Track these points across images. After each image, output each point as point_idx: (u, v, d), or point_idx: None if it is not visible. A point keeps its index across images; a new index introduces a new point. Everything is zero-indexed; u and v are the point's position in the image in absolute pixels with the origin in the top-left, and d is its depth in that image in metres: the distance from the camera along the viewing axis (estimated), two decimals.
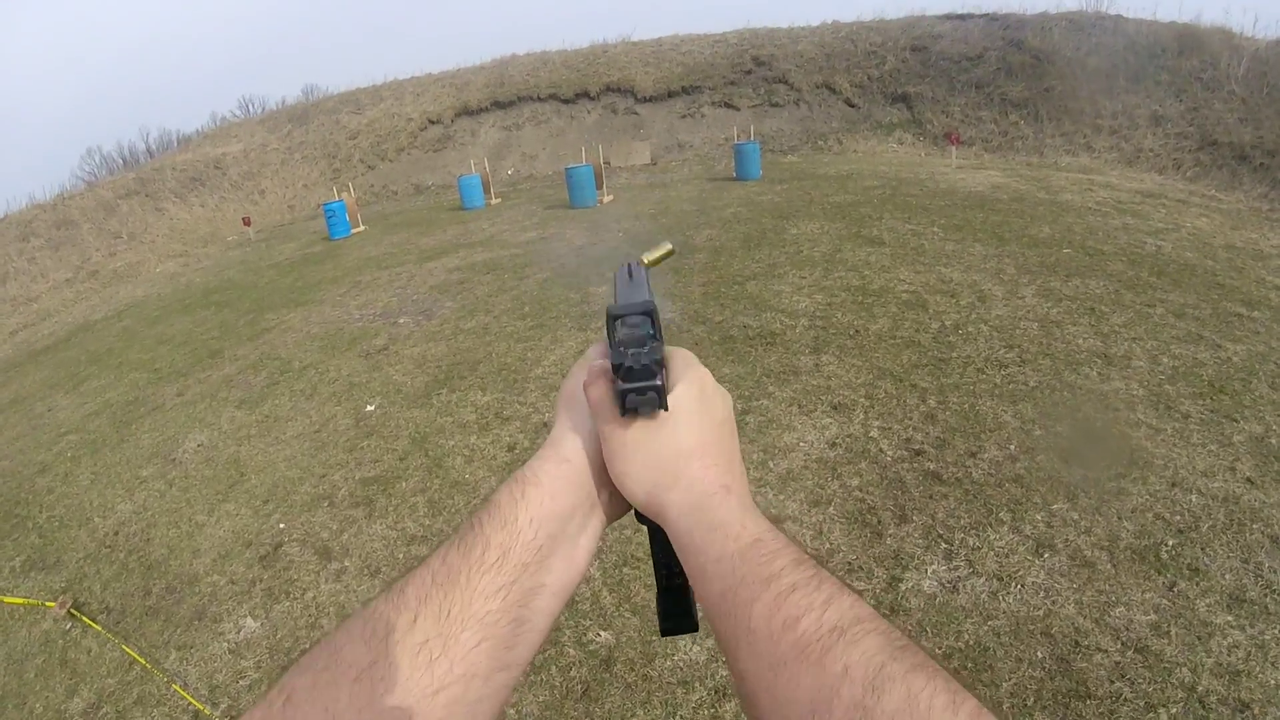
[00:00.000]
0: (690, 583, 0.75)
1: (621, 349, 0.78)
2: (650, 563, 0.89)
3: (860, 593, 4.39)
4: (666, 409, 0.81)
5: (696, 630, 0.87)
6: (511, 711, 4.34)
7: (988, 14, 25.69)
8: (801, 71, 25.96)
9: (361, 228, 21.95)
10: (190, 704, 5.08)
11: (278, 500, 7.23)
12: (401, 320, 11.53)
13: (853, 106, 24.44)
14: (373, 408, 8.64)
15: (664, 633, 0.89)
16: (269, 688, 0.61)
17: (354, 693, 0.59)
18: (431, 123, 31.14)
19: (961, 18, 26.02)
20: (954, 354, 7.36)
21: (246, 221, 25.38)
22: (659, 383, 0.78)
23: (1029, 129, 20.89)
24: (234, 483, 7.78)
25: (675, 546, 0.76)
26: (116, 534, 7.51)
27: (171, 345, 13.55)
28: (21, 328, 20.40)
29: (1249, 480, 5.40)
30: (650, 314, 0.85)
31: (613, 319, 0.85)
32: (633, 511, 0.87)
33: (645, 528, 0.87)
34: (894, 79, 24.42)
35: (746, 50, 27.82)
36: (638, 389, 0.77)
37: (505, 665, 0.67)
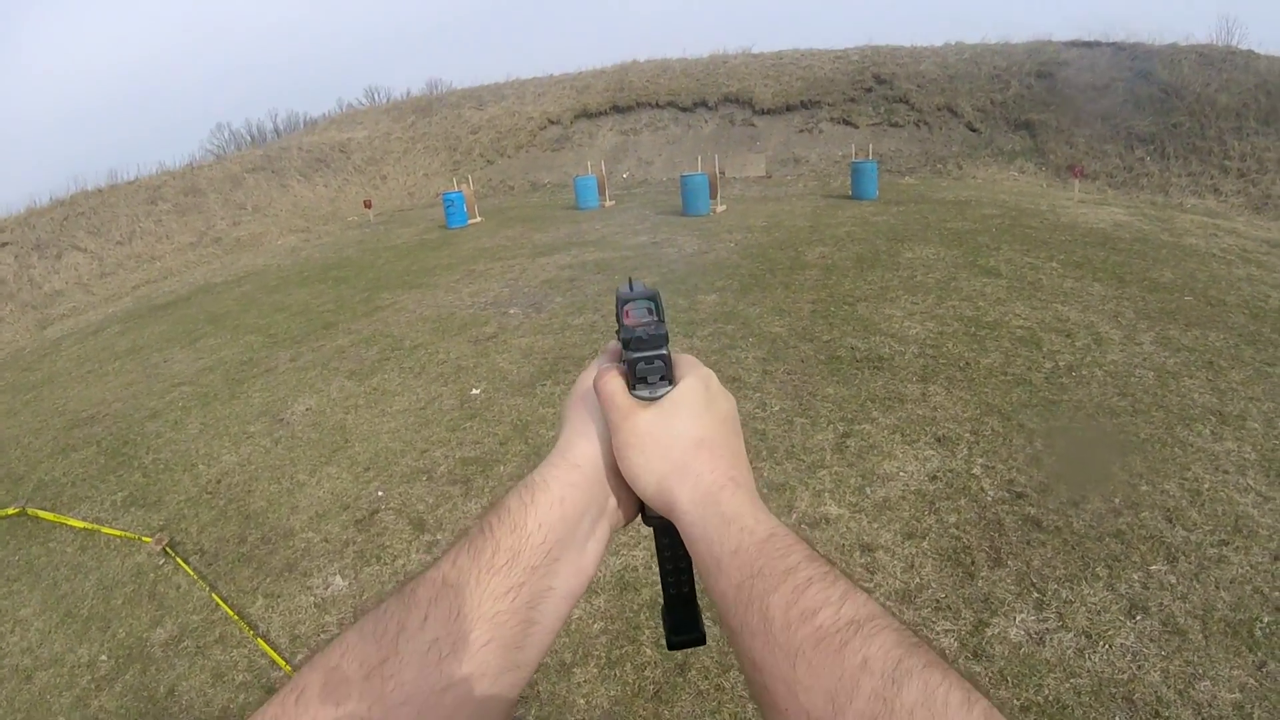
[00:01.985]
0: (701, 574, 0.76)
1: (630, 328, 0.86)
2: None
3: (945, 633, 4.40)
4: (673, 382, 0.86)
5: (704, 643, 0.91)
6: (581, 702, 4.43)
7: (1115, 43, 24.93)
8: (923, 92, 25.60)
9: (478, 219, 22.50)
10: (267, 653, 5.29)
11: (378, 469, 7.47)
12: (511, 311, 11.80)
13: (974, 131, 23.98)
14: (478, 391, 8.86)
15: (672, 646, 0.92)
16: (283, 684, 0.65)
17: (364, 690, 0.61)
18: (551, 123, 31.68)
19: (1089, 45, 25.29)
20: (1065, 397, 7.19)
21: (368, 204, 26.26)
22: (665, 352, 0.86)
23: (1154, 166, 20.18)
24: (338, 448, 8.07)
25: (686, 539, 0.78)
26: (219, 482, 7.88)
27: (288, 313, 14.17)
28: (143, 283, 21.54)
29: None
30: (654, 300, 0.91)
31: (621, 303, 0.90)
32: (641, 517, 0.89)
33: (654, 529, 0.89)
34: (1017, 105, 23.89)
35: (868, 67, 27.55)
36: (646, 357, 0.85)
37: (514, 666, 0.69)
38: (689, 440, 0.82)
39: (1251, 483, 5.91)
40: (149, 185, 27.35)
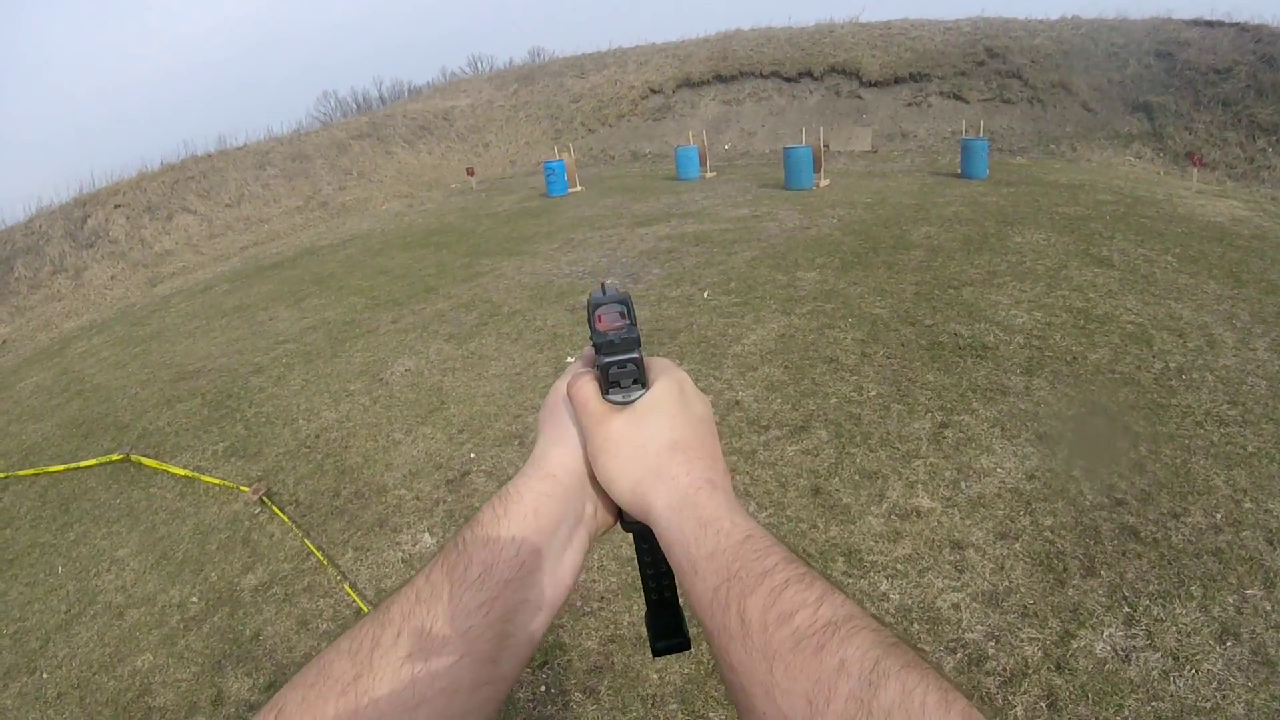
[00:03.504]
0: (679, 578, 0.75)
1: (602, 332, 0.87)
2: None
3: (1029, 641, 4.37)
4: (646, 386, 0.86)
5: (689, 649, 0.88)
6: (655, 677, 4.48)
7: (1238, 24, 23.67)
8: (1036, 68, 24.76)
9: (578, 188, 22.71)
10: (355, 602, 5.50)
11: (472, 431, 7.67)
12: (608, 280, 11.83)
13: (1089, 111, 23.13)
14: (573, 359, 8.94)
15: (656, 653, 0.90)
16: (263, 703, 0.66)
17: (339, 706, 0.62)
18: (653, 92, 31.62)
19: (1210, 25, 24.09)
20: (1174, 400, 6.95)
21: (470, 171, 26.73)
22: (637, 356, 0.86)
23: (1277, 158, 19.20)
24: (434, 409, 8.33)
25: (663, 543, 0.77)
26: (318, 437, 8.21)
27: (390, 277, 14.61)
28: (251, 244, 22.48)
29: None
30: (626, 303, 0.89)
31: (593, 307, 0.90)
32: (619, 523, 0.90)
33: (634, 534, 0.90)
34: (1135, 85, 22.95)
35: (980, 40, 26.76)
36: (619, 361, 0.86)
37: (490, 680, 0.70)
38: (663, 443, 0.82)
39: None
40: (257, 151, 28.41)
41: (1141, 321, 8.69)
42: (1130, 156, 21.06)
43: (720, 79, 30.63)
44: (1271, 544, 5.20)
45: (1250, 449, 6.24)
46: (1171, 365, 7.66)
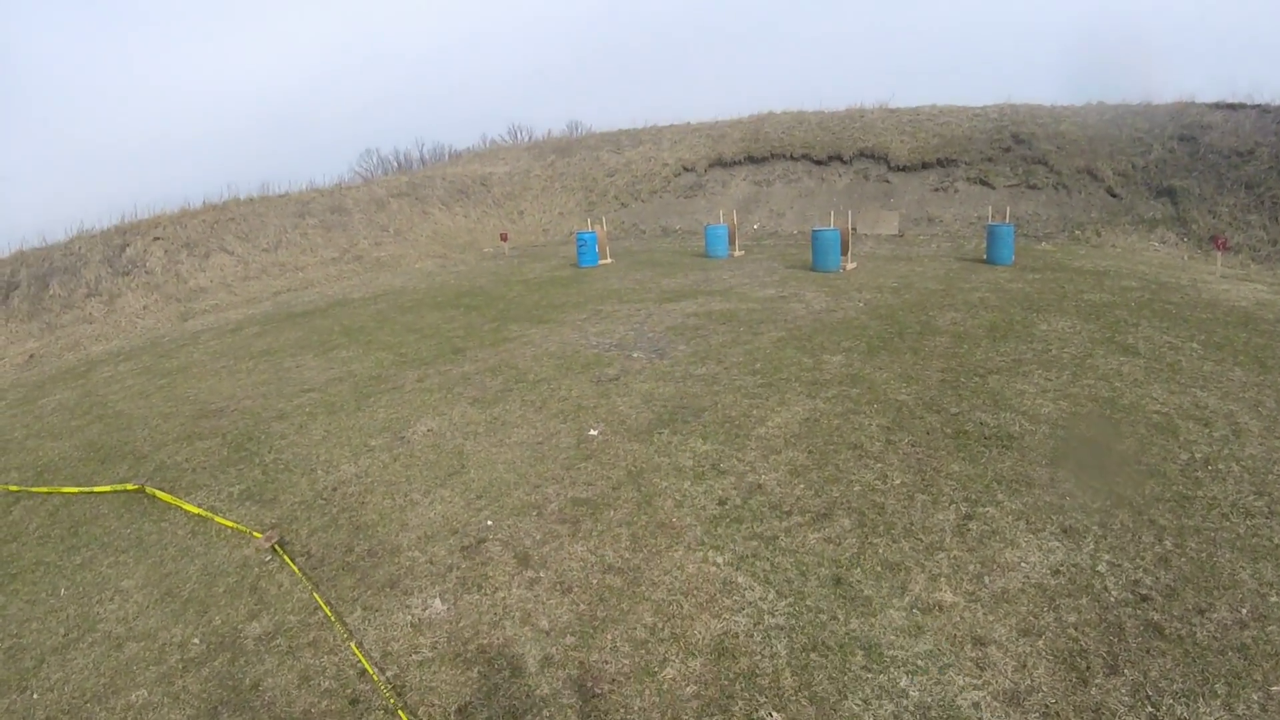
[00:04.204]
0: None
1: None
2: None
3: None
4: None
5: None
6: None
7: (1260, 105, 23.82)
8: (1062, 154, 24.98)
9: (608, 260, 23.08)
10: (360, 662, 5.49)
11: (490, 498, 7.73)
12: (635, 355, 12.09)
13: (1114, 196, 23.26)
14: (596, 432, 9.08)
15: None
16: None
17: None
18: (685, 169, 32.18)
19: (1233, 108, 24.22)
20: (1200, 492, 6.95)
21: (504, 237, 27.30)
22: None
23: None
24: (454, 472, 8.40)
25: None
26: (334, 490, 8.29)
27: (419, 335, 14.88)
28: (284, 290, 23.04)
29: None
30: None
31: None
32: None
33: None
34: (1159, 170, 23.04)
35: (1006, 126, 27.06)
36: None
37: None
38: None
39: None
40: (299, 199, 29.13)
41: (1167, 411, 8.71)
42: (1155, 242, 21.11)
43: (752, 159, 31.15)
44: None
45: (1277, 541, 6.22)
46: (1198, 456, 7.65)
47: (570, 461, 8.33)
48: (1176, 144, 23.47)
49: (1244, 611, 5.41)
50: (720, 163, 31.75)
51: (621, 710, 4.87)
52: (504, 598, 6.07)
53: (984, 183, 25.63)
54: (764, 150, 30.97)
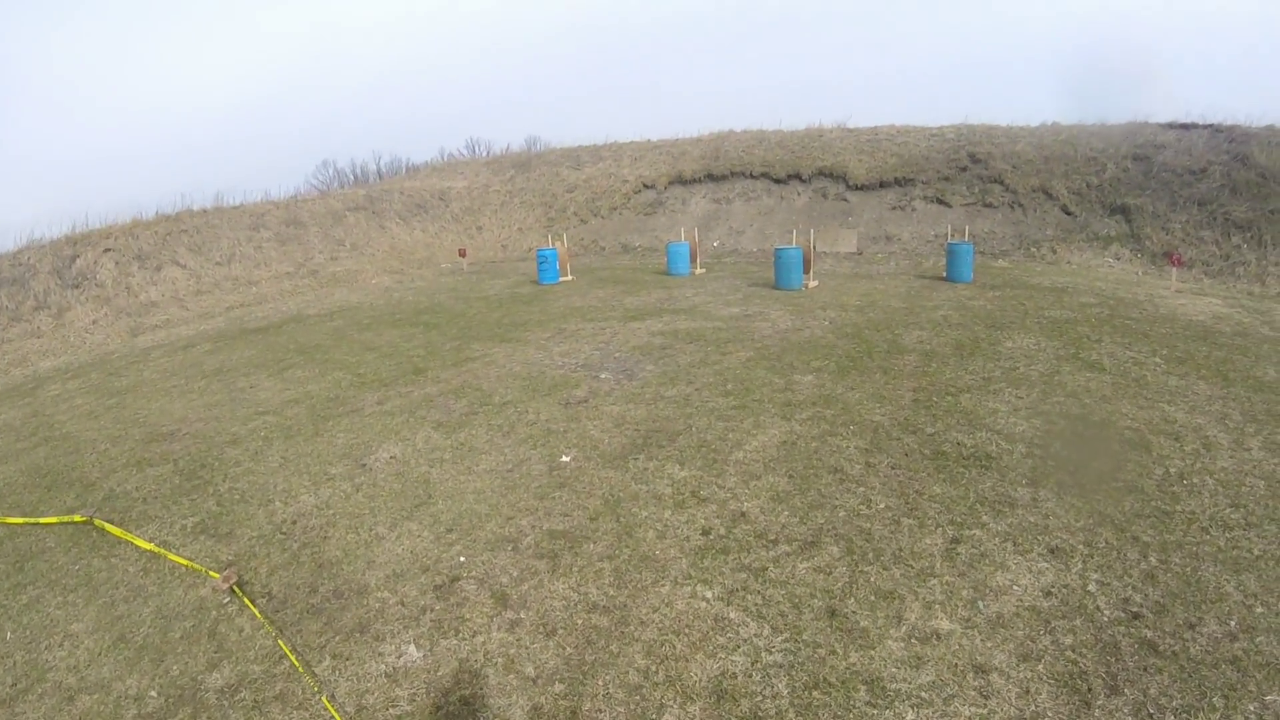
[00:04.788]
0: None
1: None
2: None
3: None
4: None
5: None
6: None
7: (1212, 125, 24.58)
8: (1018, 173, 25.39)
9: (569, 277, 23.01)
10: (332, 717, 5.12)
11: (461, 531, 7.39)
12: (603, 375, 11.94)
13: (1069, 214, 23.68)
14: (568, 459, 8.85)
15: None
16: None
17: None
18: (646, 186, 32.23)
19: (1185, 127, 24.98)
20: (1178, 507, 7.04)
21: (462, 252, 27.08)
22: None
23: (1251, 254, 19.64)
24: (420, 503, 8.07)
25: None
26: (294, 523, 7.91)
27: (378, 354, 14.61)
28: (237, 305, 22.64)
29: None
30: None
31: None
32: None
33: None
34: (1113, 188, 23.51)
35: (963, 146, 27.51)
36: None
37: None
38: None
39: None
40: (253, 212, 28.72)
41: (1138, 426, 8.83)
42: (1109, 258, 21.50)
43: (711, 177, 31.29)
44: None
45: (1256, 552, 6.33)
46: (1172, 470, 7.76)
47: (543, 490, 8.08)
48: (1130, 163, 23.97)
49: (1233, 624, 5.48)
50: (680, 180, 31.85)
51: None
52: (484, 642, 5.76)
53: (941, 201, 25.95)
54: (724, 168, 31.13)
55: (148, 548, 7.68)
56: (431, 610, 6.21)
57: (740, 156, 31.48)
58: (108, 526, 8.16)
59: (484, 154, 48.24)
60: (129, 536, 7.92)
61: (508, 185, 35.98)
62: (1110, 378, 10.49)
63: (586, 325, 15.84)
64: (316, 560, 7.14)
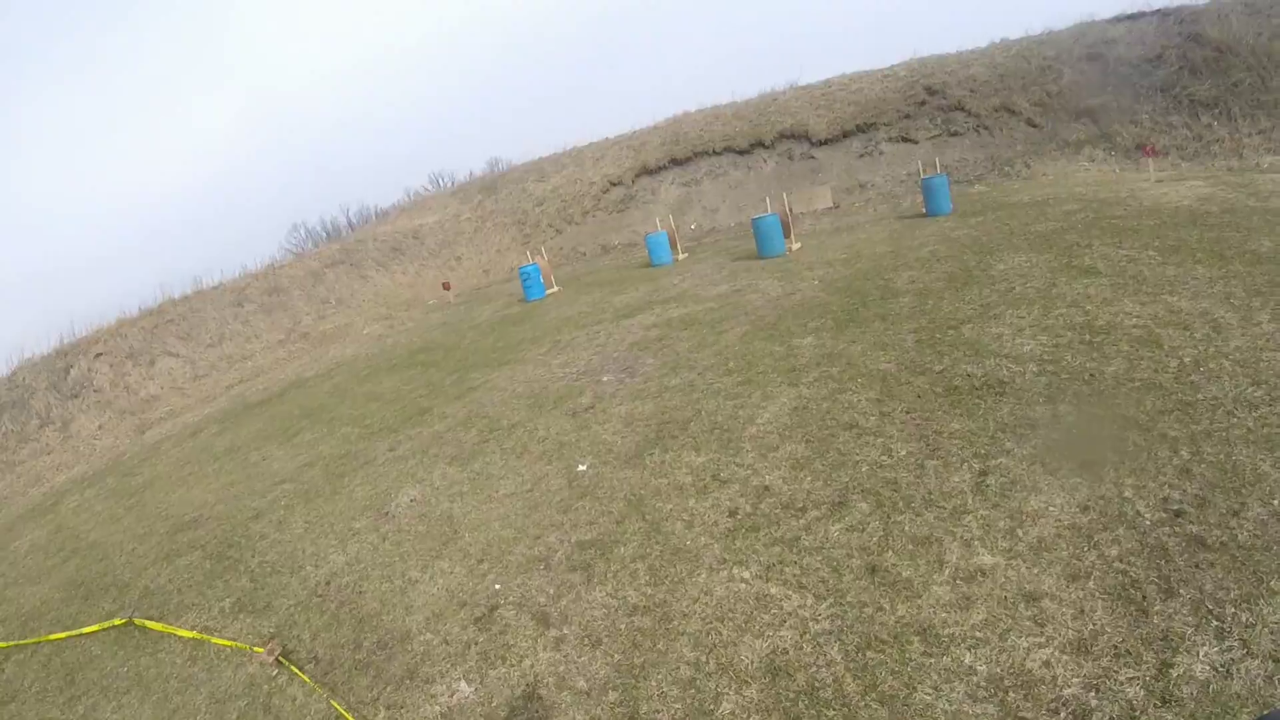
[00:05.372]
0: None
1: None
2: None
3: (1129, 681, 4.23)
4: None
5: None
6: None
7: (1158, 10, 24.38)
8: (977, 96, 25.27)
9: (555, 288, 22.93)
10: None
11: (492, 560, 7.34)
12: (605, 379, 11.84)
13: (1035, 127, 23.57)
14: (584, 467, 8.79)
15: None
16: None
17: None
18: (613, 184, 32.13)
19: (1133, 17, 24.78)
20: (1199, 395, 6.91)
21: (446, 286, 27.03)
22: None
23: (1223, 130, 19.58)
24: (447, 540, 8.01)
25: None
26: (328, 584, 7.89)
27: (381, 402, 14.50)
28: (237, 382, 22.61)
29: None
30: None
31: None
32: None
33: None
34: (1074, 93, 23.41)
35: (917, 81, 27.33)
36: None
37: None
38: None
39: None
40: (234, 288, 28.70)
41: (1145, 323, 8.71)
42: (1084, 162, 21.37)
43: (676, 162, 31.18)
44: None
45: None
46: (1186, 360, 7.64)
47: (566, 504, 8.01)
48: (1086, 64, 23.84)
49: (1276, 503, 5.36)
50: (646, 171, 31.75)
51: None
52: (532, 665, 5.71)
53: (907, 139, 25.86)
54: (686, 151, 31.01)
55: (190, 636, 7.65)
56: (476, 644, 6.15)
57: (700, 136, 31.35)
58: (148, 623, 8.13)
59: (449, 185, 48.11)
60: (170, 629, 7.89)
61: (478, 211, 35.88)
62: (1107, 280, 10.35)
63: (580, 332, 15.72)
64: (356, 616, 7.11)
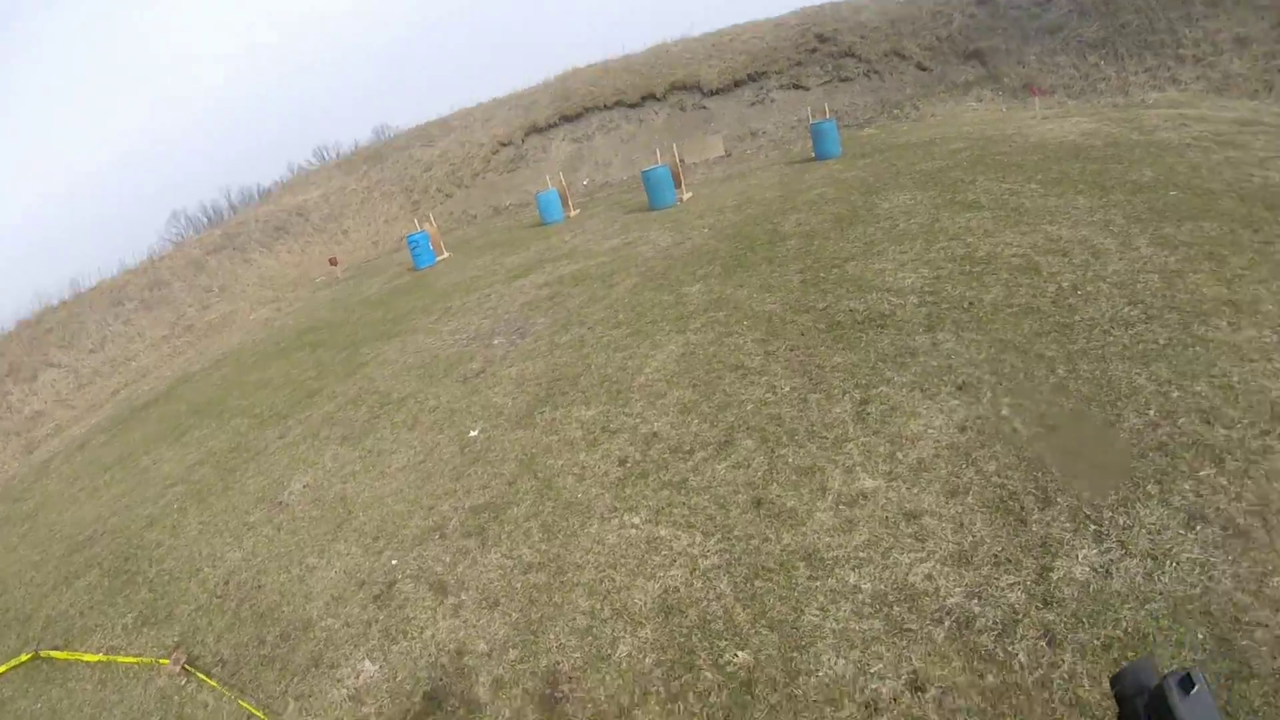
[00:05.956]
0: None
1: None
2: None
3: (1010, 587, 4.37)
4: None
5: None
6: None
7: None
8: (867, 42, 25.34)
9: (445, 255, 22.35)
10: None
11: (388, 536, 7.23)
12: (496, 341, 11.56)
13: (925, 70, 23.73)
14: (476, 433, 8.62)
15: None
16: None
17: None
18: (503, 145, 31.44)
19: None
20: (1076, 317, 6.99)
21: (333, 261, 26.08)
22: None
23: (1110, 69, 19.93)
24: (342, 521, 7.83)
25: None
26: (227, 583, 7.65)
27: (270, 389, 13.92)
28: (122, 387, 21.45)
29: None
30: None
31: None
32: None
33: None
34: (964, 36, 23.59)
35: (809, 29, 27.28)
36: None
37: None
38: None
39: None
40: (112, 287, 27.23)
41: (1024, 252, 8.74)
42: (972, 102, 21.62)
43: (567, 119, 30.64)
44: (1209, 423, 5.29)
45: (1162, 341, 6.34)
46: (1064, 285, 7.70)
47: (459, 471, 7.91)
48: (976, 8, 24.05)
49: (1152, 413, 5.51)
50: (536, 129, 31.15)
51: (590, 705, 4.67)
52: (433, 635, 5.71)
53: (798, 86, 25.82)
54: (577, 107, 30.51)
55: (96, 659, 7.33)
56: (376, 622, 6.15)
57: (591, 91, 30.86)
58: (54, 654, 7.75)
59: (335, 157, 46.54)
60: (76, 655, 7.54)
61: (364, 181, 34.74)
62: (989, 213, 10.38)
63: (471, 297, 15.31)
64: (257, 612, 6.98)
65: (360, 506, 7.96)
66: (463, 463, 8.02)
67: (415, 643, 5.69)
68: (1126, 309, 6.94)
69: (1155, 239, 8.31)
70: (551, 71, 37.65)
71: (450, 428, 8.99)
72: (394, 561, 6.76)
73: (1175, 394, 5.67)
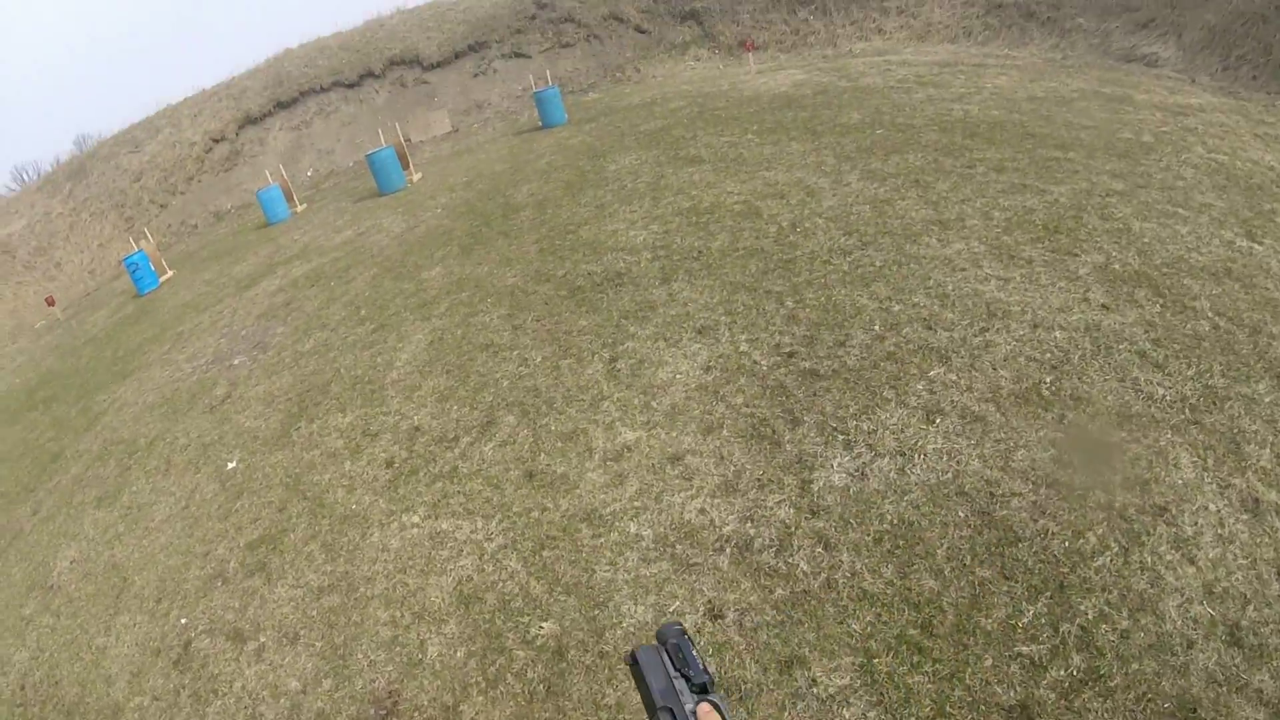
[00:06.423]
0: None
1: None
2: None
3: (779, 504, 4.61)
4: None
5: None
6: None
7: None
8: (585, 6, 25.55)
9: (169, 273, 20.62)
10: None
11: (170, 595, 6.72)
12: (236, 361, 10.84)
13: (643, 32, 24.25)
14: (234, 464, 8.10)
15: None
16: None
17: None
18: (215, 141, 29.37)
19: None
20: (798, 252, 7.41)
21: (50, 301, 23.37)
22: None
23: (819, 24, 21.12)
24: (120, 591, 7.20)
25: None
26: (23, 688, 6.88)
27: (10, 462, 12.29)
28: None
29: (1104, 306, 5.73)
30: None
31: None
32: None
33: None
34: None
35: None
36: None
37: None
38: None
39: (989, 271, 6.44)
40: None
41: (745, 198, 9.16)
42: (690, 61, 22.35)
43: (281, 106, 29.00)
44: (932, 328, 5.84)
45: (878, 263, 6.87)
46: (784, 224, 8.15)
47: (225, 509, 7.39)
48: None
49: (877, 328, 5.99)
50: (250, 120, 29.29)
51: (416, 713, 4.55)
52: (242, 685, 5.35)
53: (520, 54, 25.70)
54: (292, 92, 28.96)
55: None
56: (184, 688, 5.68)
57: (305, 73, 29.35)
58: None
59: (35, 178, 42.11)
60: None
61: (70, 203, 31.45)
62: (710, 166, 10.77)
63: (203, 316, 14.16)
64: (62, 709, 6.28)
65: (134, 570, 7.32)
66: (227, 499, 7.53)
67: (228, 698, 5.34)
68: (843, 239, 7.45)
69: (865, 174, 8.94)
70: (261, 55, 35.54)
71: (206, 464, 8.37)
72: (183, 620, 6.31)
73: (896, 308, 6.18)
